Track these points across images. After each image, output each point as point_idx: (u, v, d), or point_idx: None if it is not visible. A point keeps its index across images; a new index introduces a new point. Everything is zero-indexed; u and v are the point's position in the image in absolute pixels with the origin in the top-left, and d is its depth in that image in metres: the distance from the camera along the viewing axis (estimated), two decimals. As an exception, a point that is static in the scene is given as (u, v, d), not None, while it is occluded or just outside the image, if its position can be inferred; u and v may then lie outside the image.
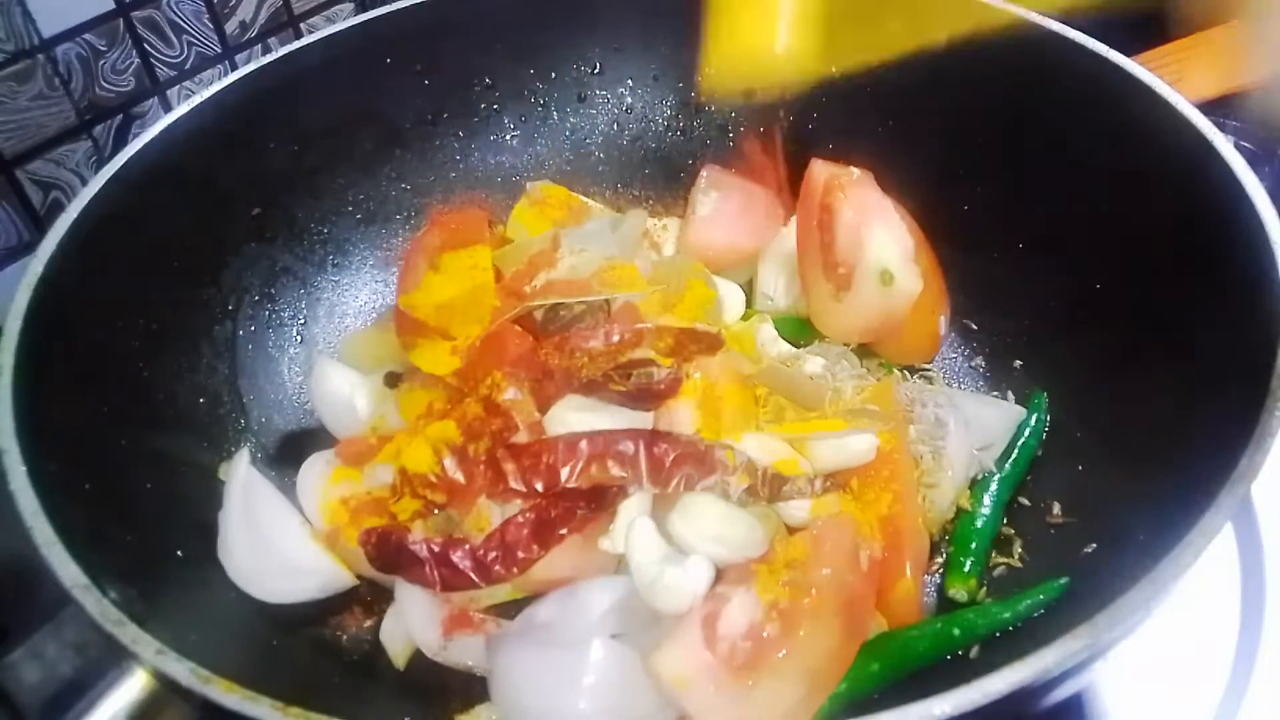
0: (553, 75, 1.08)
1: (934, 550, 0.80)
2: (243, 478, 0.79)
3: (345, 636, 0.79)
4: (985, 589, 0.78)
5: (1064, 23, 0.86)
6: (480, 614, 0.75)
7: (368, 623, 0.79)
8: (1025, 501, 0.82)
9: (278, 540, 0.77)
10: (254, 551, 0.76)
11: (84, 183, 0.81)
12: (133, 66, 1.08)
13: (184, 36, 1.11)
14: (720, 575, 0.68)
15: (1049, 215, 0.88)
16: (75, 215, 0.76)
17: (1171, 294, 0.76)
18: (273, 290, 0.96)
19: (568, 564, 0.73)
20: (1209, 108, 0.78)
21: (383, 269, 1.04)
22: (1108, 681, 0.74)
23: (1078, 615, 0.51)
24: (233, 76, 0.90)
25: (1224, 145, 0.72)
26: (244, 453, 0.81)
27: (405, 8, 0.98)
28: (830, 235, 0.90)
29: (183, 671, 0.52)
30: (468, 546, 0.71)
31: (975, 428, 0.84)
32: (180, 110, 0.86)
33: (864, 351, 0.92)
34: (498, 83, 1.07)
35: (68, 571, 0.56)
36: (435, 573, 0.71)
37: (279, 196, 0.96)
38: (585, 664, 0.65)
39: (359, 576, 0.79)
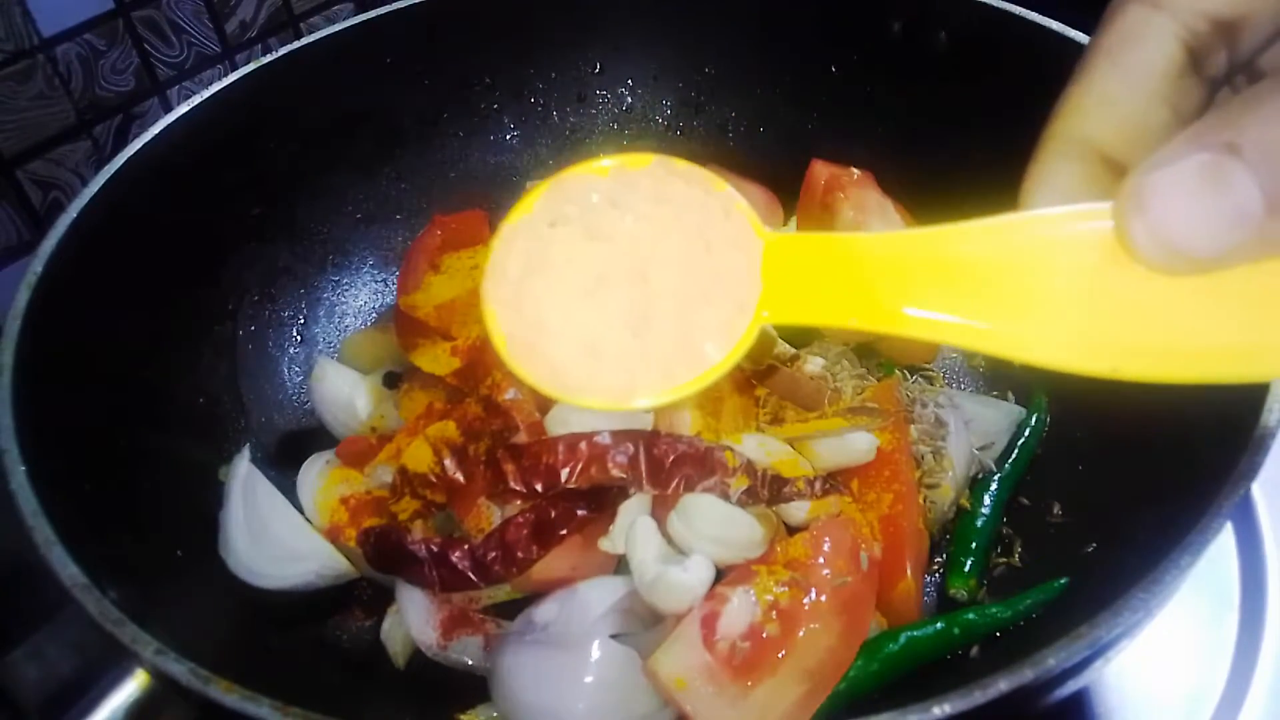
0: (553, 75, 1.08)
1: (934, 550, 0.80)
2: (243, 474, 0.79)
3: (345, 636, 0.79)
4: (985, 589, 0.78)
5: (1064, 22, 0.86)
6: (480, 614, 0.75)
7: (368, 623, 0.79)
8: (1025, 501, 0.82)
9: (275, 526, 0.77)
10: (252, 539, 0.76)
11: (84, 183, 0.81)
12: (133, 66, 1.08)
13: (184, 36, 1.11)
14: (720, 575, 0.69)
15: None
16: (75, 215, 0.76)
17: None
18: (273, 290, 0.96)
19: (568, 564, 0.73)
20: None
21: (383, 269, 1.04)
22: (1108, 681, 0.74)
23: (1078, 615, 0.51)
24: (233, 76, 0.90)
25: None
26: (244, 451, 0.81)
27: (405, 8, 0.98)
28: (830, 235, 0.90)
29: (182, 671, 0.52)
30: (467, 546, 0.71)
31: (975, 428, 0.84)
32: (180, 110, 0.85)
33: (864, 351, 0.92)
34: (498, 83, 1.06)
35: (68, 571, 0.56)
36: (434, 573, 0.71)
37: (279, 196, 0.96)
38: (585, 664, 0.66)
39: (360, 576, 0.79)
